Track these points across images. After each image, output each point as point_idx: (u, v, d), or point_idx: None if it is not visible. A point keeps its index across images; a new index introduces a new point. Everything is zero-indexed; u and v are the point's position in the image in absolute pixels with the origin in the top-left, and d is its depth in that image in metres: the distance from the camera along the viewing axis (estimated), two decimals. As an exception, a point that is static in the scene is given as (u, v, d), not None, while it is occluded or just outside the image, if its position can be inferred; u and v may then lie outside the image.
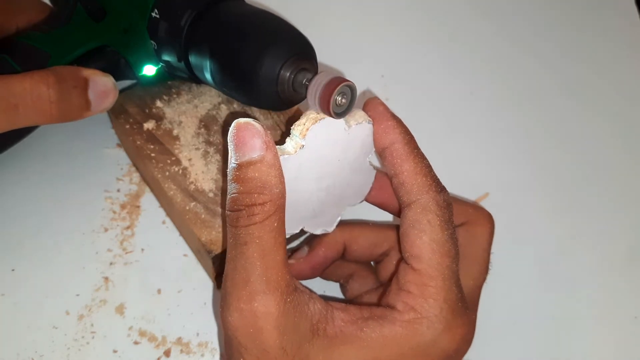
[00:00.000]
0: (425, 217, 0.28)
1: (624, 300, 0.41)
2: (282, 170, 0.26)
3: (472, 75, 0.51)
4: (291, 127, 0.27)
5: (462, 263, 0.30)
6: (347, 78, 0.26)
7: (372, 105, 0.29)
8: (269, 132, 0.26)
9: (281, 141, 0.27)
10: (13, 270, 0.36)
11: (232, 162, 0.26)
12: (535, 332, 0.39)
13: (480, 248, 0.32)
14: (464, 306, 0.28)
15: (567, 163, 0.47)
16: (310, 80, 0.27)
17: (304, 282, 0.33)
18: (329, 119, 0.27)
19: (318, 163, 0.28)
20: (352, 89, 0.26)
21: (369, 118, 0.29)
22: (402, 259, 0.29)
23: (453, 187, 0.43)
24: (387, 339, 0.27)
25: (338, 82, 0.26)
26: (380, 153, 0.29)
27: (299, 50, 0.29)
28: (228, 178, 0.26)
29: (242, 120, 0.26)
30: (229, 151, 0.26)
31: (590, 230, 0.44)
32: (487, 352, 0.35)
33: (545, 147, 0.48)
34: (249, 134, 0.25)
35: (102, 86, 0.33)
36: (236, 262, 0.26)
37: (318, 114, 0.27)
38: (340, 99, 0.26)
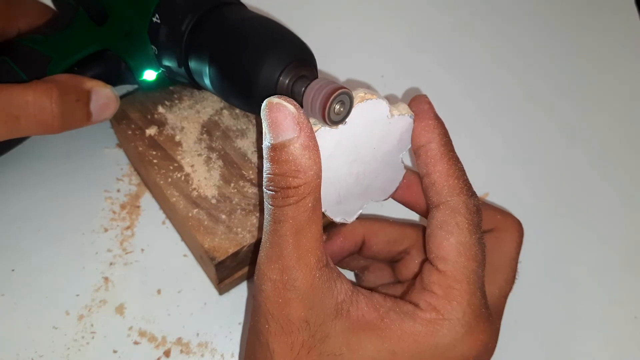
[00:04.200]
0: (453, 219, 0.28)
1: (624, 300, 0.41)
2: (318, 150, 0.25)
3: (472, 75, 0.51)
4: None
5: (488, 271, 0.29)
6: (344, 85, 0.26)
7: (418, 102, 0.29)
8: (302, 110, 0.25)
9: None
10: (13, 270, 0.36)
11: (266, 141, 0.26)
12: (535, 332, 0.39)
13: (507, 256, 0.32)
14: (488, 313, 0.28)
15: (567, 163, 0.47)
16: (306, 88, 0.27)
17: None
18: (375, 101, 0.27)
19: (355, 145, 0.28)
20: (350, 96, 0.26)
21: (412, 112, 0.28)
22: (426, 259, 0.29)
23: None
24: (405, 333, 0.27)
25: (334, 89, 0.25)
26: (416, 151, 0.29)
27: (298, 57, 0.29)
28: (264, 155, 0.26)
29: (274, 99, 0.25)
30: (263, 128, 0.26)
31: (591, 230, 0.44)
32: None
33: (545, 147, 0.48)
34: (282, 115, 0.25)
35: (104, 98, 0.33)
36: (271, 236, 0.26)
37: (365, 93, 0.27)
38: (338, 107, 0.26)
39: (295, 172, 0.25)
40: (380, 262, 0.35)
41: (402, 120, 0.28)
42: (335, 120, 0.26)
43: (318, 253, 0.26)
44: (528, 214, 0.44)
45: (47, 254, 0.37)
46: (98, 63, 0.35)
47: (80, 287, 0.36)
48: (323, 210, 0.29)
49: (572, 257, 0.43)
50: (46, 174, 0.40)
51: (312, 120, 0.26)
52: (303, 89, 0.27)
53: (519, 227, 0.32)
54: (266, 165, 0.26)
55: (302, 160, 0.25)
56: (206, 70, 0.31)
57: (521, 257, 0.41)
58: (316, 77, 0.29)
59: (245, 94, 0.30)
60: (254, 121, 0.38)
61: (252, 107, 0.30)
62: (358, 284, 0.37)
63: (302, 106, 0.27)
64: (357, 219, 0.31)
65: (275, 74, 0.28)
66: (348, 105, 0.26)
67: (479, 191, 0.44)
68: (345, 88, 0.25)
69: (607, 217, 0.45)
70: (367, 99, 0.27)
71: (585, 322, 0.40)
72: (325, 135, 0.26)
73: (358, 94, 0.27)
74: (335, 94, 0.25)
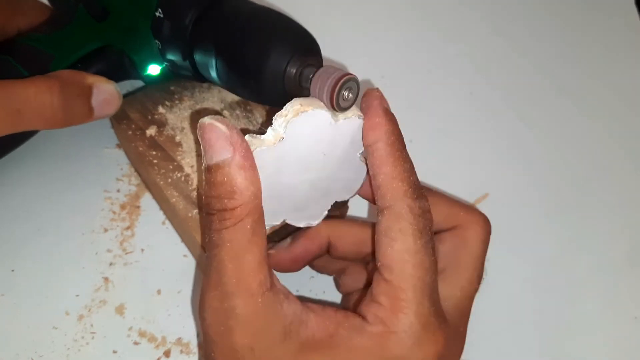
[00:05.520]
0: (397, 224, 0.26)
1: (624, 300, 0.41)
2: (254, 169, 0.25)
3: (471, 75, 0.51)
4: (273, 117, 0.26)
5: (449, 271, 0.29)
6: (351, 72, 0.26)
7: (367, 97, 0.28)
8: (235, 130, 0.24)
9: (265, 130, 0.26)
10: (13, 270, 0.36)
11: (203, 163, 0.25)
12: (535, 333, 0.39)
13: (470, 255, 0.30)
14: (440, 321, 0.27)
15: (567, 164, 0.47)
16: (312, 76, 0.27)
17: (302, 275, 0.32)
18: (312, 112, 0.26)
19: (300, 156, 0.27)
20: (357, 82, 0.26)
21: (359, 113, 0.27)
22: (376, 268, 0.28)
23: (453, 188, 0.43)
24: (356, 350, 0.26)
25: (340, 77, 0.25)
26: (366, 150, 0.28)
27: (304, 47, 0.29)
28: (203, 177, 0.25)
29: (206, 120, 0.24)
30: (202, 149, 0.25)
31: (591, 230, 0.44)
32: (487, 352, 0.35)
33: (545, 147, 0.48)
34: (215, 136, 0.24)
35: (106, 94, 0.33)
36: (210, 262, 0.26)
37: (301, 105, 0.26)
38: (347, 94, 0.26)
39: (230, 194, 0.24)
40: (356, 265, 0.34)
41: (350, 122, 0.27)
42: (344, 106, 0.26)
43: (260, 277, 0.25)
44: (528, 213, 0.44)
45: (47, 254, 0.37)
46: (101, 59, 0.35)
47: (80, 287, 0.36)
48: (283, 219, 0.28)
49: (572, 256, 0.43)
50: (46, 174, 0.40)
51: (247, 139, 0.25)
52: (310, 77, 0.27)
53: (484, 223, 0.30)
54: (204, 187, 0.25)
55: (238, 181, 0.24)
56: (212, 62, 0.31)
57: (521, 257, 0.41)
58: (322, 65, 0.29)
59: (254, 85, 0.30)
60: (254, 122, 0.38)
61: (260, 97, 0.30)
62: (337, 288, 0.36)
63: (310, 94, 0.27)
64: (323, 220, 0.30)
65: (283, 64, 0.28)
66: (356, 91, 0.26)
67: (479, 191, 0.44)
68: (351, 75, 0.25)
69: (607, 217, 0.45)
70: (301, 111, 0.26)
71: (585, 322, 0.40)
72: (264, 155, 0.25)
73: (293, 107, 0.26)
74: (342, 81, 0.25)
